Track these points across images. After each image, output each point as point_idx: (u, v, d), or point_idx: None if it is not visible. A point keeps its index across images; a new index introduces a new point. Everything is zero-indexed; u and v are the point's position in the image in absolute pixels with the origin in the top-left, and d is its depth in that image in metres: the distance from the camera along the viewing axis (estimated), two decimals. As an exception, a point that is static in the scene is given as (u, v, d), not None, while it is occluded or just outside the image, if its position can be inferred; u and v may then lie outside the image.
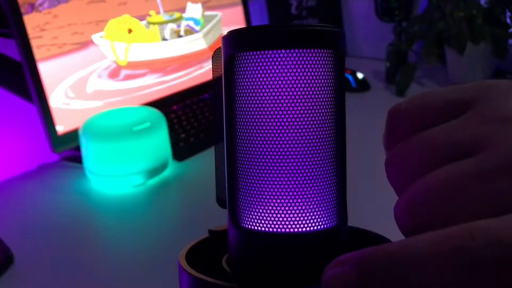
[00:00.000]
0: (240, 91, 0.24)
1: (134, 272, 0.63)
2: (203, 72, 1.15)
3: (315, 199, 0.23)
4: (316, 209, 0.23)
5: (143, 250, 0.68)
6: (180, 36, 1.12)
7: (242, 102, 0.24)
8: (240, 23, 1.24)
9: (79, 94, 0.95)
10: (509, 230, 0.17)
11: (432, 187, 0.20)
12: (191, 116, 1.04)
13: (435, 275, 0.17)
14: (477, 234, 0.17)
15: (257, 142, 0.23)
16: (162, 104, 1.04)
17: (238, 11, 1.24)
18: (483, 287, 0.16)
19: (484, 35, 1.14)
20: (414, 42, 1.26)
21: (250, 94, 0.23)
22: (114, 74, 1.01)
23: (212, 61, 0.28)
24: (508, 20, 1.18)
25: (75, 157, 0.92)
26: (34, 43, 0.87)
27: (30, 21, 0.87)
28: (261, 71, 0.23)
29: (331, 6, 1.55)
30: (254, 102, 0.23)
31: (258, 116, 0.23)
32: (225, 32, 0.25)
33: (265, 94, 0.23)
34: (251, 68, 0.23)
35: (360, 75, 1.24)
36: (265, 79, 0.23)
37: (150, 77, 1.07)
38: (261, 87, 0.23)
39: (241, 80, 0.24)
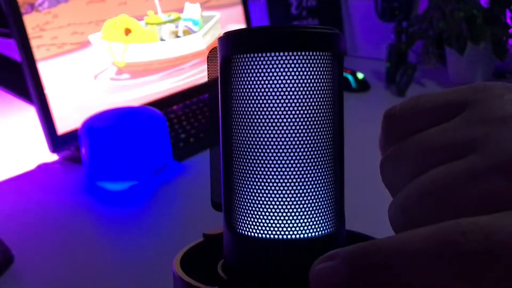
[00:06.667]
0: (237, 94, 0.23)
1: (134, 272, 0.63)
2: (203, 72, 1.15)
3: (312, 205, 0.23)
4: (314, 215, 0.23)
5: (143, 250, 0.68)
6: (178, 36, 1.12)
7: (238, 105, 0.23)
8: (240, 23, 1.24)
9: (79, 94, 0.95)
10: (498, 226, 0.17)
11: (425, 188, 0.20)
12: (191, 116, 1.04)
13: (425, 269, 0.17)
14: (466, 230, 0.17)
15: (253, 146, 0.23)
16: (162, 104, 1.04)
17: (238, 11, 1.24)
18: (471, 282, 0.17)
19: (484, 35, 1.14)
20: (414, 42, 1.26)
21: (247, 97, 0.23)
22: (113, 74, 1.01)
23: (208, 62, 0.27)
24: (508, 20, 1.18)
25: (75, 157, 0.92)
26: (34, 43, 0.87)
27: (30, 21, 0.87)
28: (258, 74, 0.23)
29: (331, 6, 1.55)
30: (250, 105, 0.23)
31: (255, 120, 0.23)
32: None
33: (262, 98, 0.23)
34: (248, 70, 0.23)
35: (360, 75, 1.24)
36: (262, 82, 0.23)
37: (150, 77, 1.06)
38: (258, 90, 0.23)
39: (238, 83, 0.23)
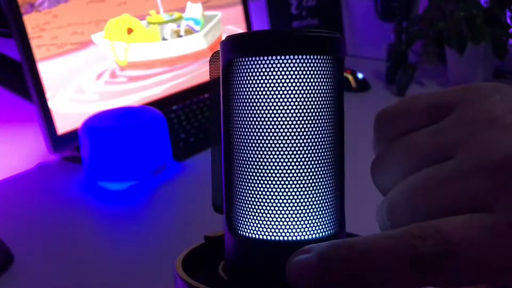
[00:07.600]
0: (238, 96, 0.24)
1: (134, 272, 0.63)
2: (203, 72, 1.15)
3: (314, 206, 0.23)
4: (315, 217, 0.23)
5: (143, 250, 0.68)
6: (180, 36, 1.12)
7: (239, 107, 0.23)
8: (240, 23, 1.24)
9: (79, 94, 0.95)
10: (457, 229, 0.18)
11: (411, 189, 0.21)
12: (191, 116, 1.04)
13: (386, 268, 0.18)
14: (425, 233, 0.18)
15: (254, 148, 0.23)
16: (162, 104, 1.04)
17: (238, 11, 1.24)
18: (426, 281, 0.18)
19: (484, 35, 1.14)
20: (414, 42, 1.26)
21: (248, 100, 0.23)
22: (113, 74, 1.01)
23: (210, 64, 0.27)
24: (508, 20, 1.18)
25: (75, 157, 0.92)
26: (34, 43, 0.87)
27: (30, 21, 0.87)
28: (259, 77, 0.23)
29: (331, 6, 1.55)
30: (251, 107, 0.23)
31: (255, 122, 0.23)
32: (225, 32, 0.24)
33: (263, 100, 0.23)
34: (249, 73, 0.23)
35: (360, 75, 1.24)
36: (263, 85, 0.23)
37: (150, 77, 1.06)
38: (259, 93, 0.23)
39: (239, 85, 0.23)
